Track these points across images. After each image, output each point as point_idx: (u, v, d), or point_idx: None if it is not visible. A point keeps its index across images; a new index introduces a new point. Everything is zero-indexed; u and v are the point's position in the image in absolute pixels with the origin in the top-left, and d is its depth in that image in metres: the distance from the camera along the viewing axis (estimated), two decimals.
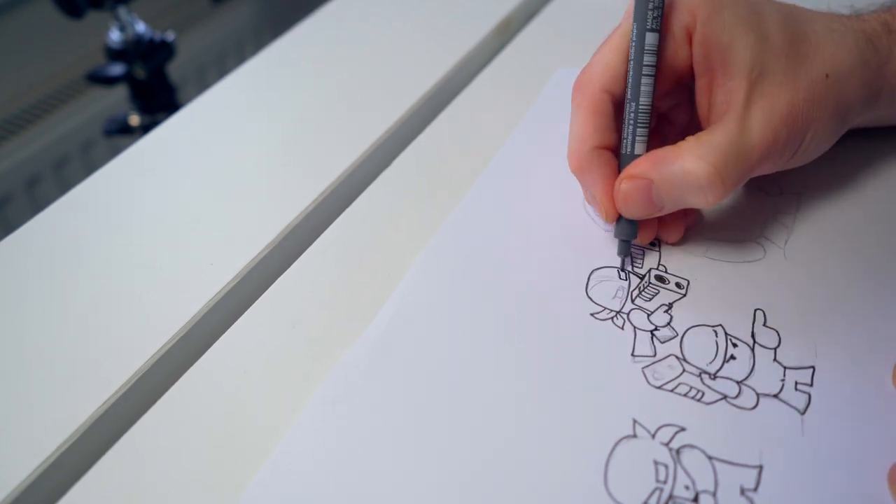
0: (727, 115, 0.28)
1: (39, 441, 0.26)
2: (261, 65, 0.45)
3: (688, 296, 0.30)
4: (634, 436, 0.25)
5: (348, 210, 0.35)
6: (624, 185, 0.29)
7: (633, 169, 0.29)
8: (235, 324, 0.30)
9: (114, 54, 0.79)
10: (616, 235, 0.31)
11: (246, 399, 0.27)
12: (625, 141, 0.30)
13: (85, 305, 0.31)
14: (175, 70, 0.92)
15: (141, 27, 0.79)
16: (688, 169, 0.28)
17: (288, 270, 0.32)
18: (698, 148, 0.28)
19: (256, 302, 0.31)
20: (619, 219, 0.31)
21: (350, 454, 0.25)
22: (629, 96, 0.29)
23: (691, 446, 0.25)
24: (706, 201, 0.28)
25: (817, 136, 0.30)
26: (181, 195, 0.36)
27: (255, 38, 1.14)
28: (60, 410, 0.27)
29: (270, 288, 0.31)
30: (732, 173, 0.28)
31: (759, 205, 0.33)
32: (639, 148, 0.30)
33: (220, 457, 0.25)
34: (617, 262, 0.31)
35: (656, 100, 0.30)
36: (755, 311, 0.29)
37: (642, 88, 0.29)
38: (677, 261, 0.31)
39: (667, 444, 0.25)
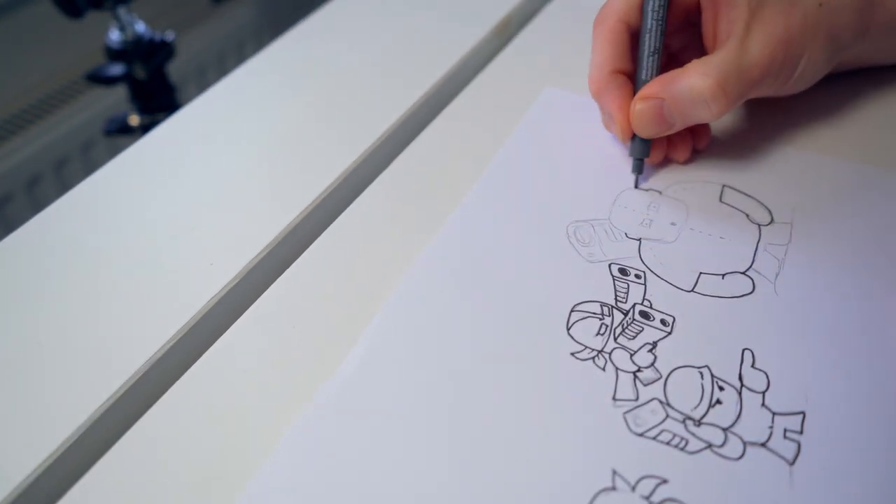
0: (728, 40, 0.32)
1: (40, 440, 0.26)
2: (261, 65, 0.45)
3: (673, 334, 0.28)
4: (614, 488, 0.24)
5: (348, 210, 0.35)
6: (638, 105, 0.33)
7: (645, 90, 0.33)
8: (235, 324, 0.30)
9: (114, 54, 0.79)
10: (630, 154, 0.35)
11: (246, 399, 0.27)
12: (642, 68, 0.34)
13: (84, 305, 0.31)
14: (175, 70, 0.92)
15: (141, 27, 0.79)
16: (693, 84, 0.31)
17: (288, 271, 0.32)
18: (702, 66, 0.31)
19: (256, 302, 0.31)
20: (634, 138, 0.34)
21: (341, 462, 0.25)
22: (649, 27, 0.33)
23: (673, 500, 0.24)
24: (711, 114, 0.32)
25: (812, 61, 0.33)
26: (181, 195, 0.36)
27: (255, 38, 1.14)
28: (60, 410, 0.27)
29: (270, 288, 0.31)
30: (734, 86, 0.31)
31: (749, 235, 0.32)
32: (654, 74, 0.33)
33: (219, 457, 0.25)
34: (600, 295, 0.30)
35: (667, 38, 0.35)
36: (743, 351, 0.28)
37: (657, 19, 0.33)
38: (663, 296, 0.30)
39: (647, 498, 0.24)
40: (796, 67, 0.33)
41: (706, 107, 0.31)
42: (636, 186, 0.34)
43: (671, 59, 0.37)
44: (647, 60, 0.33)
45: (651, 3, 0.33)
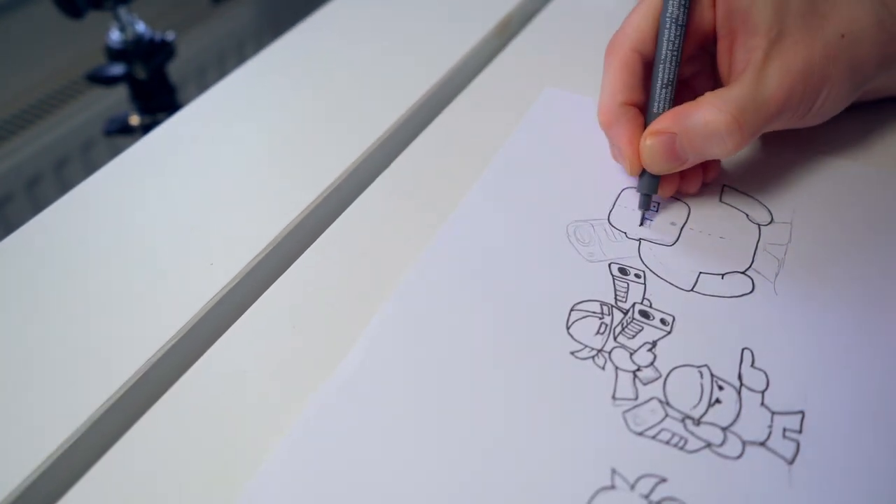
0: (745, 71, 0.30)
1: (40, 441, 0.26)
2: (261, 65, 0.45)
3: (672, 333, 0.28)
4: (613, 487, 0.24)
5: (348, 211, 0.35)
6: (649, 140, 0.31)
7: (656, 125, 0.31)
8: (235, 324, 0.30)
9: (114, 54, 0.79)
10: (639, 190, 0.33)
11: (245, 400, 0.27)
12: (655, 100, 0.32)
13: (85, 306, 0.31)
14: (175, 70, 0.92)
15: (141, 27, 0.79)
16: (708, 119, 0.30)
17: (288, 271, 0.32)
18: (716, 99, 0.30)
19: (256, 302, 0.31)
20: (643, 173, 0.32)
21: (340, 462, 0.25)
22: (663, 56, 0.31)
23: (672, 499, 0.24)
24: (726, 150, 0.30)
25: (832, 94, 0.31)
26: (181, 195, 0.36)
27: (255, 38, 1.14)
28: (60, 410, 0.27)
29: (270, 288, 0.31)
30: (750, 121, 0.30)
31: (749, 235, 0.32)
32: (667, 106, 0.31)
33: (219, 457, 0.26)
34: (600, 294, 0.30)
35: (680, 65, 0.32)
36: (743, 350, 0.28)
37: (672, 49, 0.31)
38: (662, 295, 0.30)
39: (647, 497, 0.24)
40: (816, 100, 0.31)
41: (721, 142, 0.30)
42: (641, 224, 0.33)
43: (682, 87, 0.35)
44: (660, 92, 0.31)
45: (667, 33, 0.31)
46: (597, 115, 0.33)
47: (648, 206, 0.33)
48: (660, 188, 0.33)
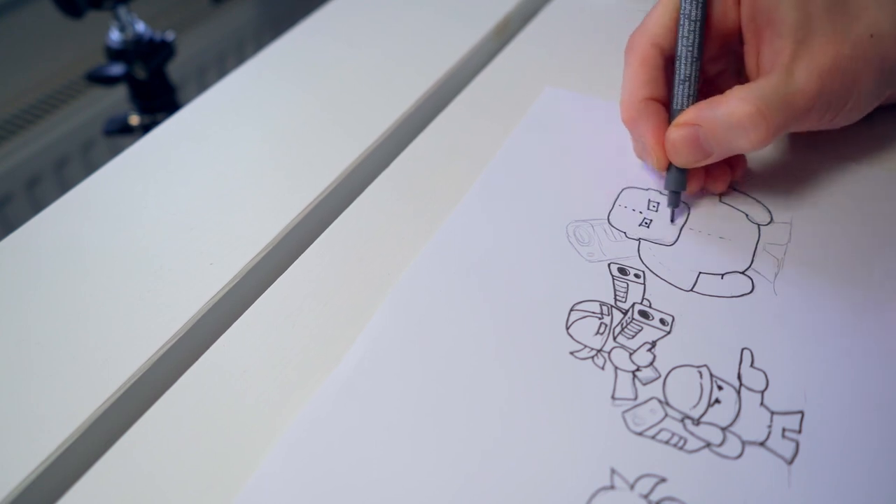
0: (774, 69, 0.30)
1: (39, 441, 0.26)
2: (261, 65, 0.45)
3: (672, 333, 0.28)
4: (612, 487, 0.24)
5: (348, 210, 0.35)
6: (673, 133, 0.31)
7: (681, 117, 0.31)
8: (235, 324, 0.30)
9: (114, 54, 0.79)
10: (666, 186, 0.32)
11: (245, 400, 0.27)
12: (675, 95, 0.32)
13: (84, 306, 0.31)
14: (175, 70, 0.92)
15: (141, 27, 0.79)
16: (732, 110, 0.29)
17: (287, 271, 0.32)
18: (742, 91, 0.30)
19: (256, 302, 0.31)
20: (669, 168, 0.32)
21: (339, 462, 0.25)
22: (679, 53, 0.31)
23: (672, 499, 0.24)
24: (750, 142, 0.30)
25: (863, 94, 0.31)
26: (181, 195, 0.36)
27: (255, 38, 1.14)
28: (60, 410, 0.27)
29: (270, 288, 0.31)
30: (776, 115, 0.29)
31: (748, 235, 0.32)
32: (688, 102, 0.32)
33: (219, 457, 0.26)
34: (600, 294, 0.30)
35: (705, 63, 0.32)
36: (742, 350, 0.28)
37: (688, 45, 0.31)
38: (662, 295, 0.30)
39: (646, 497, 0.24)
40: (848, 100, 0.31)
41: (745, 134, 0.29)
42: (672, 221, 0.33)
43: (708, 86, 0.34)
44: (678, 88, 0.31)
45: (681, 29, 0.31)
46: (619, 113, 0.33)
47: (678, 203, 0.32)
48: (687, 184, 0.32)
